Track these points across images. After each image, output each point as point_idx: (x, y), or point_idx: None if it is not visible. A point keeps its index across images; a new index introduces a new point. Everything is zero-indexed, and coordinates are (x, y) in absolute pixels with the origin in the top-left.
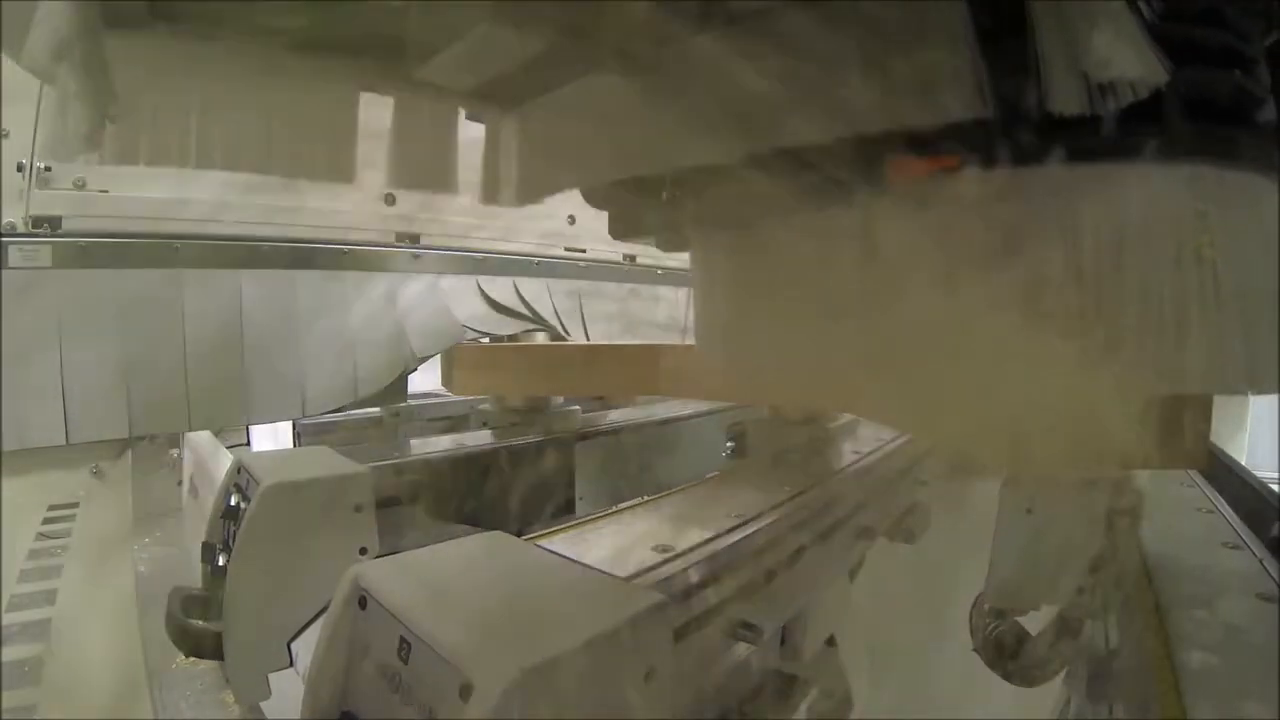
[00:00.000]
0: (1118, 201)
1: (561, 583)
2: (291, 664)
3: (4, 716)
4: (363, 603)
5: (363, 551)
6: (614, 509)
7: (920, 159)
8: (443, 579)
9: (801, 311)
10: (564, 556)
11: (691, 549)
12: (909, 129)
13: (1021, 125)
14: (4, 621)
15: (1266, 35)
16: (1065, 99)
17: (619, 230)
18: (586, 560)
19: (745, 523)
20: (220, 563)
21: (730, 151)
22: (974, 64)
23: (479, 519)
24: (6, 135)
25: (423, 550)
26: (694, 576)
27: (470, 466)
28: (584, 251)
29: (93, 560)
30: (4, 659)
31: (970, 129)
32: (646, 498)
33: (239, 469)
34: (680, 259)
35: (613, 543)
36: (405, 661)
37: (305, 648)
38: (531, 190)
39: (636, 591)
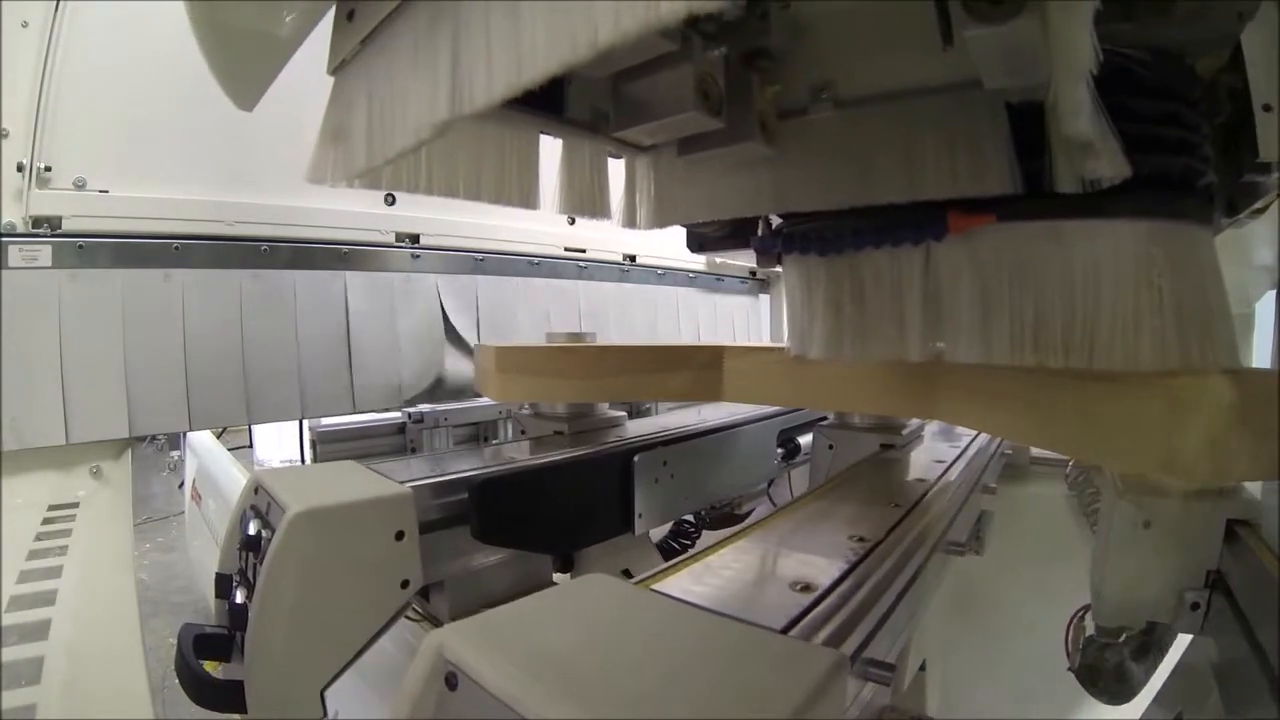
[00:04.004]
0: (1098, 245)
1: (712, 645)
2: (325, 716)
3: (4, 717)
4: (451, 681)
5: (404, 584)
6: (722, 540)
7: (970, 215)
8: (556, 647)
9: (882, 323)
10: (699, 607)
11: (835, 585)
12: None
13: (1036, 194)
14: (4, 622)
15: (1218, 114)
16: (1066, 181)
17: (696, 246)
18: (718, 607)
19: (873, 547)
20: (239, 599)
21: (831, 202)
22: (1010, 157)
23: (533, 541)
24: (6, 135)
25: (515, 606)
26: (844, 617)
27: (523, 483)
28: (584, 251)
29: (93, 560)
30: (4, 659)
31: (1004, 196)
32: (749, 523)
33: (257, 489)
34: (681, 261)
35: (739, 582)
36: None
37: (340, 697)
38: (665, 218)
39: (809, 651)
